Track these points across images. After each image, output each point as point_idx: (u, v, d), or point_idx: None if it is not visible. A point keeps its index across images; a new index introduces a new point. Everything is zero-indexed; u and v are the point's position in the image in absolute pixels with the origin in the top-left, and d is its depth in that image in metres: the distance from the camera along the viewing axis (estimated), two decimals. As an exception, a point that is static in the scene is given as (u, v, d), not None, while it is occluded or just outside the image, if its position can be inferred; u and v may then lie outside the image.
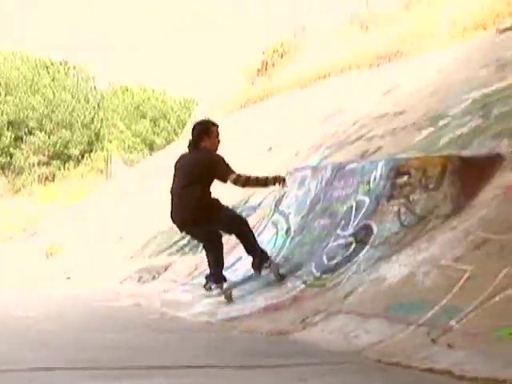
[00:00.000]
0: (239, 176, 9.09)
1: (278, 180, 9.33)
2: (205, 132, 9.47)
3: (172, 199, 9.50)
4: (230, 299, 9.30)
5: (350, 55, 22.00)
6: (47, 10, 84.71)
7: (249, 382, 5.22)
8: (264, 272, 9.38)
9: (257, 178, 9.32)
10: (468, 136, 10.14)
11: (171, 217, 9.59)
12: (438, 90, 13.63)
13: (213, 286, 9.48)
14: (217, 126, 9.60)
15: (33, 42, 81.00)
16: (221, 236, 9.62)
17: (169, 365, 5.78)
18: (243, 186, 9.45)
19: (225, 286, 9.43)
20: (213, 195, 9.42)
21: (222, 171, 9.16)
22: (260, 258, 9.38)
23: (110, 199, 23.47)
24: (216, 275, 9.48)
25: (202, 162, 9.30)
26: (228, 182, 9.17)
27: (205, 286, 9.61)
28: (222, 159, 9.23)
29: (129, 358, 6.05)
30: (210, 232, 9.56)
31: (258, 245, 9.56)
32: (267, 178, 9.40)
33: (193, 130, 9.70)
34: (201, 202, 9.22)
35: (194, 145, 9.49)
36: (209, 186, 9.31)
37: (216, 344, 7.20)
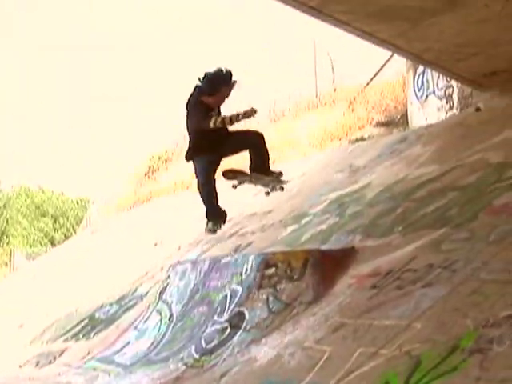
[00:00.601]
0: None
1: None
2: (210, 91, 8.24)
3: None
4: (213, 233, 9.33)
5: (224, 162, 22.21)
6: (47, 10, 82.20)
7: None
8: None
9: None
10: (326, 232, 10.26)
11: None
12: (300, 192, 13.80)
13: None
14: (228, 85, 8.23)
15: (33, 42, 78.64)
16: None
17: None
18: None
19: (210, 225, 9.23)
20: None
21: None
22: None
23: (12, 290, 22.74)
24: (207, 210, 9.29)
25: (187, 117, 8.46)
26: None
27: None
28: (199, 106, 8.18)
29: None
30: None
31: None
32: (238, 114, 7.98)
33: (203, 77, 8.27)
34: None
35: (195, 95, 8.38)
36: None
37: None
